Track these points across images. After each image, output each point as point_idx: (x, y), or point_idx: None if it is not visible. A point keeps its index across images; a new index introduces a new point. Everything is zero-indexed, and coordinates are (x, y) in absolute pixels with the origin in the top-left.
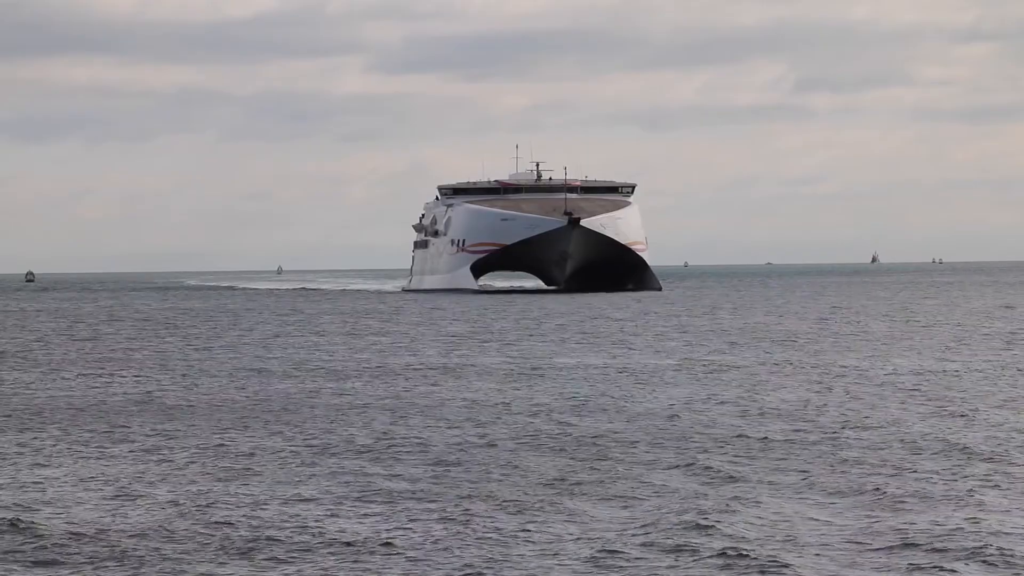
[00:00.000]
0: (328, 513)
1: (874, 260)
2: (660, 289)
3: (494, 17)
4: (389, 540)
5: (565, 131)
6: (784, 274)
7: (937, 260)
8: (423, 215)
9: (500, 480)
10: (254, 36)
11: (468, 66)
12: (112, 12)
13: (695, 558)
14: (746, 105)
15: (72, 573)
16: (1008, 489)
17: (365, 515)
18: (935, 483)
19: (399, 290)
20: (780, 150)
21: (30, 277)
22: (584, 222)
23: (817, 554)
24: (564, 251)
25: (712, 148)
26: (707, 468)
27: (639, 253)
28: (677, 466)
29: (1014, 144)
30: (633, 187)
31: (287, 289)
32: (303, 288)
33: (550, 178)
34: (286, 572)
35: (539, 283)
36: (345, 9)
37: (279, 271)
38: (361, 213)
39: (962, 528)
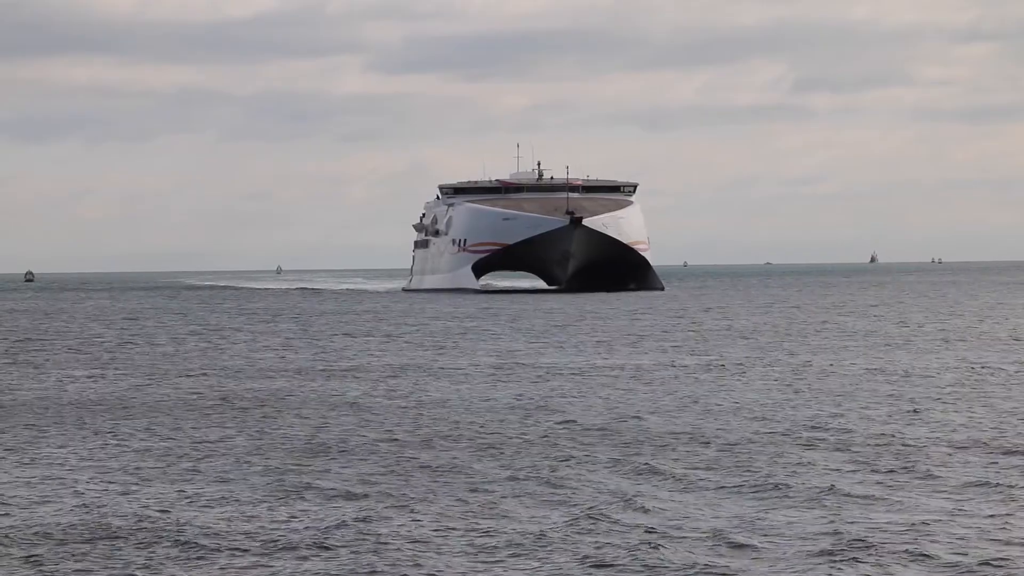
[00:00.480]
0: (277, 514)
1: (873, 260)
2: (663, 289)
3: (494, 17)
4: (321, 541)
5: (565, 131)
6: (783, 274)
7: (937, 260)
8: (423, 214)
9: (444, 480)
10: (254, 36)
11: (468, 66)
12: (112, 12)
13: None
14: (746, 105)
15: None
16: (951, 491)
17: (293, 515)
18: (881, 484)
19: (399, 290)
20: (780, 150)
21: (29, 277)
22: (586, 221)
23: (762, 556)
24: (566, 251)
25: (712, 148)
26: (651, 468)
27: (641, 253)
28: (625, 465)
29: (1014, 144)
30: (635, 186)
31: (285, 289)
32: (304, 288)
33: (552, 177)
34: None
35: (540, 283)
36: (345, 9)
37: (279, 271)
38: (361, 213)
39: (909, 529)
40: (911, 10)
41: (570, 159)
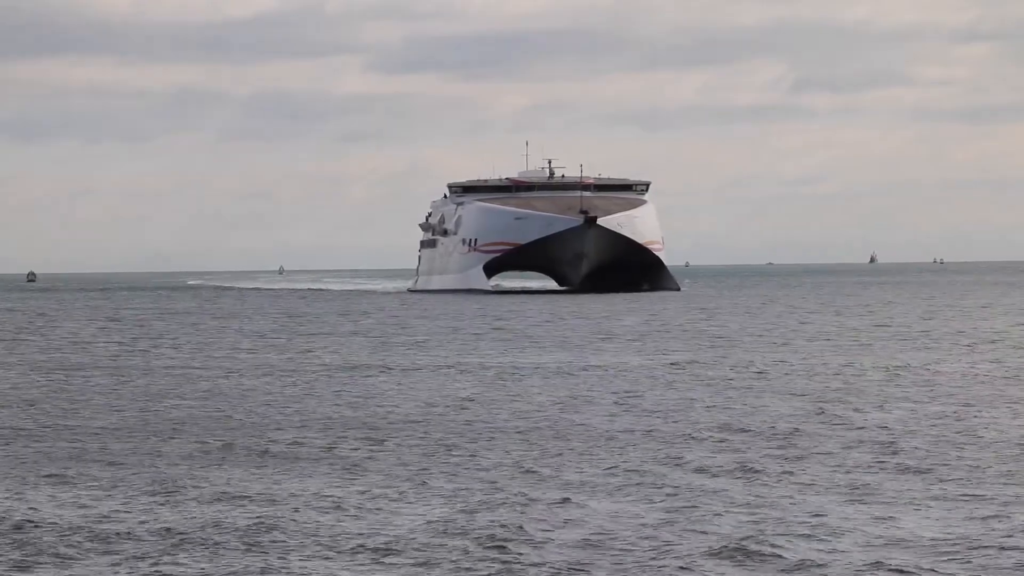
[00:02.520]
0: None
1: (872, 260)
2: (678, 289)
3: (494, 17)
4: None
5: (565, 131)
6: (783, 274)
7: (938, 260)
8: (430, 213)
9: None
10: (254, 36)
11: (468, 66)
12: (111, 12)
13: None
14: (746, 105)
15: None
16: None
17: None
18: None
19: (404, 290)
20: (780, 150)
21: (31, 277)
22: (601, 221)
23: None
24: (580, 251)
25: (712, 148)
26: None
27: (656, 253)
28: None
29: (1014, 144)
30: (648, 185)
31: (290, 289)
32: (311, 289)
33: (563, 176)
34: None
35: (551, 284)
36: (345, 9)
37: (280, 271)
38: (361, 213)
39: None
40: (911, 10)
41: (570, 159)
